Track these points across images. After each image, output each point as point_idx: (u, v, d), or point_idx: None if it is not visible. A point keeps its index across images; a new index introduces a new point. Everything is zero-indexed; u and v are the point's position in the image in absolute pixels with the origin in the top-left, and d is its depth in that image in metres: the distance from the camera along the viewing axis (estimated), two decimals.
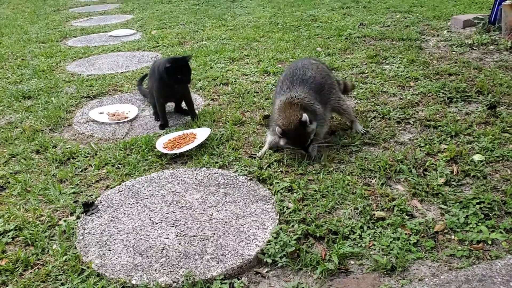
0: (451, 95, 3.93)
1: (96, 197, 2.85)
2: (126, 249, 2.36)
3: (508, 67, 4.52)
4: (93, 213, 2.68)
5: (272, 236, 2.38)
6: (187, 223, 2.53)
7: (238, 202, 2.70)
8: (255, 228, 2.45)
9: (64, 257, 2.33)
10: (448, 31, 5.97)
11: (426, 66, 4.74)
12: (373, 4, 8.17)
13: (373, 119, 3.65)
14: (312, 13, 7.81)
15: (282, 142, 3.07)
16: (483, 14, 6.12)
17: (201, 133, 3.46)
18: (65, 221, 2.62)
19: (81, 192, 2.94)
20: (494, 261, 2.17)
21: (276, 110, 3.15)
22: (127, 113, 4.05)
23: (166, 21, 8.10)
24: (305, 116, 2.96)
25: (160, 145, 3.35)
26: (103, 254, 2.34)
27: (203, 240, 2.38)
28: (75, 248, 2.41)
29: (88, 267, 2.25)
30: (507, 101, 3.76)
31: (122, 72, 5.28)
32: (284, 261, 2.24)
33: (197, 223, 2.52)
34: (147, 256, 2.30)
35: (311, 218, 2.51)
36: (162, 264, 2.24)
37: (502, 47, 5.11)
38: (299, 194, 2.73)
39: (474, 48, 5.21)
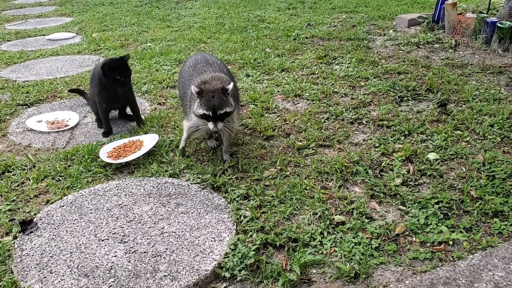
0: (401, 94, 3.93)
1: (35, 214, 2.62)
2: (70, 270, 2.16)
3: (454, 65, 4.60)
4: (31, 232, 2.46)
5: (230, 248, 2.24)
6: (137, 238, 2.35)
7: (192, 212, 2.54)
8: (211, 240, 2.30)
9: None
10: (394, 30, 6.04)
11: (375, 65, 4.74)
12: (318, 5, 8.19)
13: (326, 120, 3.58)
14: (258, 13, 7.73)
15: (195, 106, 2.75)
16: (426, 14, 6.25)
17: (149, 140, 3.28)
18: None
19: (18, 208, 2.70)
20: (457, 262, 2.13)
21: (197, 82, 2.79)
22: (67, 121, 3.80)
23: (108, 23, 7.78)
24: (232, 84, 2.74)
25: (104, 154, 3.14)
26: (44, 277, 2.13)
27: (155, 257, 2.21)
28: (11, 272, 2.19)
29: None
30: (456, 98, 3.80)
31: (61, 77, 4.98)
32: (244, 274, 2.11)
33: (147, 238, 2.35)
34: (94, 277, 2.11)
35: (269, 226, 2.40)
36: (111, 285, 2.06)
37: (447, 45, 5.21)
38: (256, 201, 2.61)
39: (420, 46, 5.28)
